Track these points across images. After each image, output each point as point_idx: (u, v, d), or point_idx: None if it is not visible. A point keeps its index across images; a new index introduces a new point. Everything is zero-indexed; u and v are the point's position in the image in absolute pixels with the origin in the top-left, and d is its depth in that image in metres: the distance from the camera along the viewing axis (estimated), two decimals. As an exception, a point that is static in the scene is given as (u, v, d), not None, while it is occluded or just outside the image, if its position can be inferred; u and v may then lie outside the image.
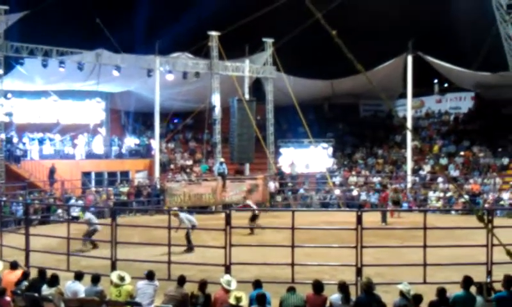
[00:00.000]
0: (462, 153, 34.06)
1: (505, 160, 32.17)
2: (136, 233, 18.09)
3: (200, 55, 31.82)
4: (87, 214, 19.01)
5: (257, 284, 10.62)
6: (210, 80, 31.91)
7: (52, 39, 27.83)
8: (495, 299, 9.84)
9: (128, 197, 29.27)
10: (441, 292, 9.96)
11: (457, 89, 38.85)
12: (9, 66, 27.45)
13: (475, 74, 33.85)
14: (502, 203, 27.88)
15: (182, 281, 10.78)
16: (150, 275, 10.95)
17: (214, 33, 31.59)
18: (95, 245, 17.60)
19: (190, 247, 17.22)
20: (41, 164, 29.40)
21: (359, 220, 12.50)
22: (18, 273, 11.70)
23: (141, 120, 37.55)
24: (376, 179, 32.95)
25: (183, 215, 17.96)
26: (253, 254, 14.05)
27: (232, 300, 9.76)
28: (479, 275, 11.75)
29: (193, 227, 17.63)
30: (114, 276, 10.65)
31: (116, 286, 10.77)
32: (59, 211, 24.43)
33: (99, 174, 31.57)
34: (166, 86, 31.27)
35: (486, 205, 26.70)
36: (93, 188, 29.59)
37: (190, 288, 10.89)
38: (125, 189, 29.75)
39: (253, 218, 20.89)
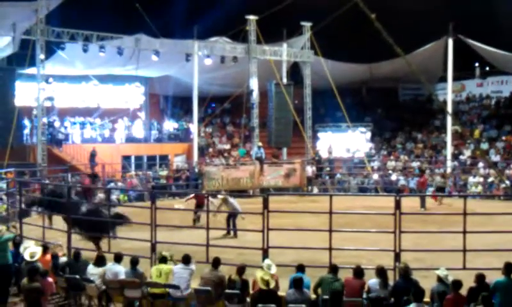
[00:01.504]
0: (503, 137, 33.43)
1: (549, 145, 31.52)
2: (175, 217, 18.29)
3: (237, 39, 31.87)
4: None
5: (299, 268, 10.71)
6: (247, 64, 31.93)
7: (92, 25, 28.19)
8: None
9: (167, 180, 29.58)
10: (481, 278, 9.88)
11: (499, 73, 38.06)
12: (50, 51, 27.93)
13: (518, 57, 33.13)
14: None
15: (216, 263, 10.90)
16: (186, 259, 11.08)
17: (251, 17, 31.55)
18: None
19: (234, 232, 17.42)
20: (82, 148, 29.96)
21: (397, 205, 12.41)
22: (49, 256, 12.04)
23: (179, 104, 37.86)
24: (415, 164, 32.59)
25: (232, 200, 18.14)
26: (290, 238, 14.08)
27: (260, 284, 9.85)
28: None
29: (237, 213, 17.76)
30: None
31: (158, 265, 11.06)
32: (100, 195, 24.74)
33: (139, 158, 32.00)
34: (204, 71, 31.41)
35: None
36: (133, 172, 29.99)
37: (228, 271, 11.01)
38: (164, 173, 30.07)
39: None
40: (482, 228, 15.45)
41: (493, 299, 9.46)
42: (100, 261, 11.35)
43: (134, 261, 11.22)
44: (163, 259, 11.25)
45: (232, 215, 17.72)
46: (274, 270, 10.34)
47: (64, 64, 29.32)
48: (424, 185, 26.38)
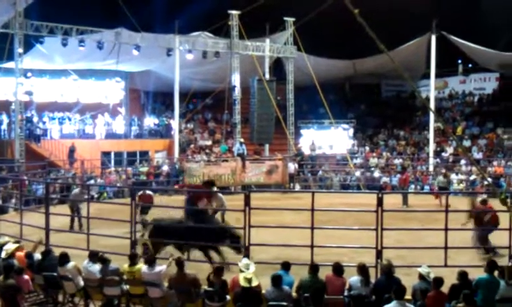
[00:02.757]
0: (486, 135, 33.55)
1: (530, 142, 31.65)
2: (156, 213, 18.01)
3: (219, 34, 31.62)
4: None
5: (283, 265, 10.49)
6: (230, 59, 31.70)
7: (72, 18, 27.76)
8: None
9: (147, 177, 29.28)
10: (463, 276, 9.82)
11: (482, 70, 38.23)
12: (29, 45, 27.42)
13: (501, 54, 33.25)
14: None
15: (180, 264, 10.51)
16: (149, 261, 10.75)
17: (234, 12, 31.31)
18: None
19: None
20: (61, 143, 29.51)
21: (379, 202, 12.28)
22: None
23: (160, 100, 37.55)
24: (397, 161, 32.56)
25: (221, 195, 17.86)
26: (272, 236, 13.90)
27: (242, 282, 9.66)
28: (501, 258, 11.53)
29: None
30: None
31: (130, 265, 10.82)
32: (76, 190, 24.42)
33: (119, 154, 31.63)
34: (185, 66, 31.14)
35: (510, 188, 26.24)
36: (113, 168, 29.64)
37: (209, 269, 10.80)
38: (144, 169, 29.76)
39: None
40: (464, 225, 15.41)
41: (475, 296, 9.39)
42: (62, 260, 11.03)
43: (104, 259, 11.00)
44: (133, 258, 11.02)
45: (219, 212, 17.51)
46: (252, 269, 10.10)
47: (43, 59, 28.86)
48: (406, 182, 26.33)
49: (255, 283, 9.64)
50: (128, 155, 31.68)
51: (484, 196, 15.40)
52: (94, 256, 11.10)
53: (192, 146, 33.85)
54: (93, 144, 30.74)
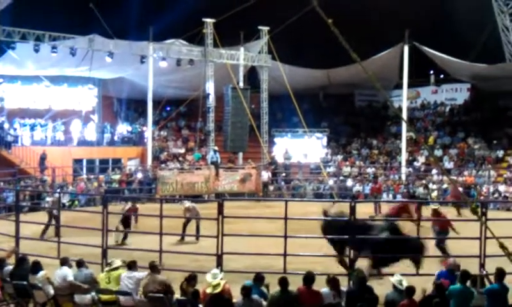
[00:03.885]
0: (457, 144, 33.96)
1: (500, 153, 32.09)
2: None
3: (194, 42, 31.54)
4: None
5: (255, 278, 10.33)
6: (204, 67, 31.62)
7: (45, 24, 27.44)
8: (487, 291, 9.74)
9: (119, 184, 29.04)
10: (439, 288, 9.82)
11: (453, 81, 38.69)
12: (0, 51, 27.08)
13: (472, 65, 33.74)
14: (496, 196, 27.81)
15: (153, 267, 10.45)
16: (130, 265, 10.68)
17: (208, 20, 31.25)
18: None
19: (197, 238, 17.06)
20: (32, 150, 29.10)
21: (352, 211, 12.33)
22: None
23: (133, 107, 37.29)
24: (370, 170, 32.78)
25: (194, 205, 17.82)
26: (245, 244, 13.87)
27: (208, 290, 9.60)
28: (471, 267, 11.62)
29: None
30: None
31: (108, 271, 10.71)
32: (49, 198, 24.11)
33: (91, 162, 31.30)
34: (159, 73, 30.99)
35: (481, 198, 26.58)
36: (84, 176, 29.32)
37: (182, 277, 10.71)
38: (117, 177, 29.50)
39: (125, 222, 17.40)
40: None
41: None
42: (35, 268, 10.87)
43: (80, 263, 10.92)
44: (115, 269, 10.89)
45: (191, 221, 17.48)
46: (220, 276, 10.03)
47: (15, 65, 28.47)
48: (379, 190, 26.50)
49: (219, 289, 9.56)
50: (101, 162, 31.37)
51: (436, 205, 15.51)
52: (65, 262, 10.97)
53: (165, 153, 33.63)
54: (64, 152, 30.35)
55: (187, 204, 18.01)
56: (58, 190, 23.52)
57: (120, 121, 35.54)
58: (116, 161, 32.09)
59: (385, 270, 12.39)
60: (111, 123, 34.57)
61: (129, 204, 17.66)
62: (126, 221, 17.19)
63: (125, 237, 17.01)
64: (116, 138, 33.62)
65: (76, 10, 29.78)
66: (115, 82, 33.80)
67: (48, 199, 19.01)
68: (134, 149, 33.26)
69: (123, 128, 34.82)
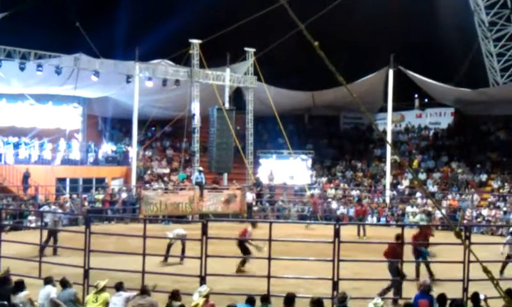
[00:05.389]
0: (440, 168, 34.17)
1: (484, 177, 32.33)
2: (110, 242, 17.74)
3: (180, 62, 31.59)
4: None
5: (248, 300, 10.34)
6: (190, 88, 31.64)
7: (30, 42, 27.35)
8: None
9: (103, 204, 28.82)
10: None
11: (438, 105, 39.01)
12: (-15, 69, 26.91)
13: (456, 90, 34.09)
14: (479, 220, 27.96)
15: (144, 291, 10.53)
16: (118, 287, 10.72)
17: (195, 41, 31.35)
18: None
19: (182, 258, 16.94)
20: (15, 169, 28.83)
21: (336, 233, 12.33)
22: None
23: (118, 127, 37.13)
24: (355, 192, 32.84)
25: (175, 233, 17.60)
26: (229, 265, 13.81)
27: None
28: (455, 291, 11.65)
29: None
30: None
31: (95, 292, 10.67)
32: (32, 217, 23.93)
33: (74, 181, 31.04)
34: (145, 93, 30.92)
35: (464, 221, 26.69)
36: (67, 195, 29.06)
37: (164, 299, 10.64)
38: (100, 196, 29.28)
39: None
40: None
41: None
42: (18, 287, 10.73)
43: (64, 282, 10.88)
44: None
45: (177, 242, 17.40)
46: (205, 292, 10.07)
47: (0, 82, 28.28)
48: (364, 213, 26.50)
49: None
50: (84, 181, 31.13)
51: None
52: (50, 281, 10.92)
53: (149, 173, 33.46)
54: (48, 170, 30.10)
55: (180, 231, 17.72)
56: (60, 210, 23.31)
57: (105, 140, 35.33)
58: (100, 180, 31.86)
59: (369, 293, 12.37)
60: (95, 142, 34.36)
61: None
62: (243, 246, 16.37)
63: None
64: (100, 157, 33.40)
65: (62, 29, 29.72)
66: (100, 101, 33.67)
67: (49, 217, 18.74)
68: (118, 168, 33.05)
69: (107, 148, 34.63)
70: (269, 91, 32.47)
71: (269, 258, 12.55)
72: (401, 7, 35.70)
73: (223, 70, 32.90)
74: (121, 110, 33.61)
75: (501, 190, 30.71)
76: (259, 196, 32.31)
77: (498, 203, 29.34)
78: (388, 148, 32.39)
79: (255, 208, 30.90)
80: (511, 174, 31.76)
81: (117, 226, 26.10)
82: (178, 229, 17.76)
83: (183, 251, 17.25)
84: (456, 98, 36.28)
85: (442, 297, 10.15)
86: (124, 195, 29.77)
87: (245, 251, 16.05)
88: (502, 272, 15.62)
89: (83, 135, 34.12)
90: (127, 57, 30.31)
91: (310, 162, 35.62)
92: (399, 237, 13.69)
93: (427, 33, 36.93)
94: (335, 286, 12.17)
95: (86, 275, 12.96)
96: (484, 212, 28.61)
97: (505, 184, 31.05)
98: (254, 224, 22.31)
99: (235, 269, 13.89)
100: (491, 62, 36.03)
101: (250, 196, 30.00)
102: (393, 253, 13.66)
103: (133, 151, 31.63)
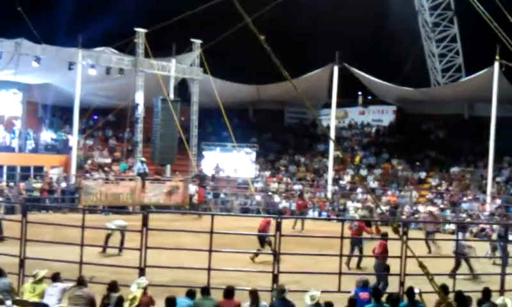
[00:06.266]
0: (381, 165, 34.83)
1: (423, 174, 33.14)
2: (48, 231, 17.33)
3: (125, 51, 31.08)
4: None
5: (188, 293, 10.42)
6: (134, 77, 31.22)
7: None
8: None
9: (41, 193, 28.15)
10: (352, 302, 10.15)
11: (380, 102, 39.80)
12: None
13: (398, 88, 34.78)
14: (416, 216, 28.61)
15: (81, 281, 10.39)
16: (54, 277, 10.57)
17: (141, 30, 30.92)
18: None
19: (120, 250, 16.83)
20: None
21: (278, 226, 12.39)
22: None
23: (59, 114, 36.31)
24: (297, 187, 33.10)
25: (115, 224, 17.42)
26: (169, 258, 13.70)
27: (126, 305, 9.54)
28: (392, 285, 11.90)
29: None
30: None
31: (33, 282, 10.52)
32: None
33: (11, 169, 30.20)
34: (87, 81, 30.29)
35: (402, 217, 27.29)
36: (4, 183, 28.26)
37: (102, 291, 10.50)
38: (38, 185, 28.59)
39: None
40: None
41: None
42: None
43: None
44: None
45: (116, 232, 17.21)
46: (144, 284, 10.03)
47: None
48: (305, 207, 26.72)
49: (136, 303, 9.52)
50: (22, 169, 30.33)
51: None
52: None
53: (90, 162, 32.81)
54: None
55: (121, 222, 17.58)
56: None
57: (44, 128, 34.51)
58: (39, 169, 31.10)
59: (309, 286, 12.49)
60: (34, 129, 33.53)
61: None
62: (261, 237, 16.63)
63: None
64: (39, 145, 32.61)
65: (3, 13, 28.82)
66: (41, 87, 32.82)
67: None
68: (58, 157, 32.30)
69: (47, 136, 33.82)
70: (215, 83, 32.34)
71: (210, 251, 12.51)
72: (348, 5, 36.10)
73: (168, 60, 32.56)
74: (62, 97, 32.87)
75: (439, 188, 31.56)
76: (202, 188, 32.13)
77: (435, 200, 30.10)
78: (331, 144, 32.76)
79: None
80: (449, 172, 32.68)
81: (55, 216, 25.51)
82: (118, 221, 17.59)
83: (122, 242, 17.10)
84: (398, 96, 37.05)
85: (377, 291, 10.38)
86: (63, 184, 29.14)
87: (262, 243, 16.51)
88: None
89: (22, 122, 33.21)
90: (69, 44, 29.61)
91: (254, 155, 35.70)
92: (386, 234, 14.15)
93: (373, 32, 37.52)
94: (275, 279, 12.24)
95: (21, 265, 12.62)
96: (420, 208, 29.25)
97: (443, 182, 31.92)
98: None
99: (176, 261, 13.77)
100: (433, 62, 36.88)
101: (193, 188, 29.85)
102: (386, 250, 14.06)
103: (73, 139, 30.97)
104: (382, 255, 14.01)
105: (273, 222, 16.51)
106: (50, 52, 28.73)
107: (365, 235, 17.51)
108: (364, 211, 27.19)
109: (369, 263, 14.89)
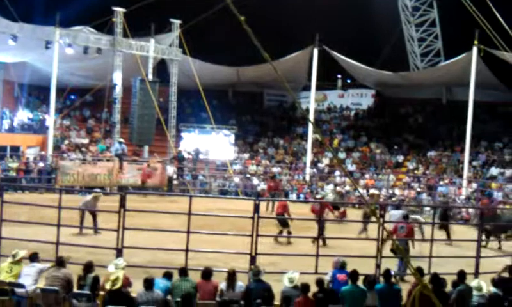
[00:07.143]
0: (360, 148, 35.00)
1: (400, 158, 33.39)
2: (24, 211, 17.18)
3: (103, 30, 30.71)
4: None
5: (164, 274, 10.56)
6: (112, 57, 30.89)
7: None
8: (376, 290, 10.18)
9: (17, 173, 27.87)
10: (320, 283, 10.32)
11: (359, 86, 39.91)
12: None
13: (377, 72, 34.90)
14: (393, 199, 28.83)
15: (60, 262, 10.38)
16: (32, 257, 10.59)
17: (119, 9, 30.56)
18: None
19: (95, 230, 16.76)
20: None
21: (256, 208, 12.41)
22: None
23: (36, 94, 35.91)
24: (276, 169, 33.14)
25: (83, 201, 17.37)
26: (146, 239, 13.66)
27: (108, 286, 9.53)
28: (368, 268, 11.99)
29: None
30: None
31: (11, 262, 10.55)
32: None
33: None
34: (64, 60, 29.90)
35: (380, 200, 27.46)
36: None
37: (78, 271, 10.46)
38: (15, 165, 28.28)
39: None
40: (336, 234, 15.95)
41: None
42: None
43: None
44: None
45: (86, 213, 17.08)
46: (122, 265, 10.04)
47: None
48: (277, 189, 26.51)
49: (118, 284, 9.51)
50: (-2, 149, 29.99)
51: None
52: None
53: (67, 143, 32.51)
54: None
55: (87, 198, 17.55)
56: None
57: (21, 107, 34.09)
58: (15, 149, 30.75)
59: (286, 268, 12.57)
60: (10, 108, 33.13)
61: None
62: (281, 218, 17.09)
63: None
64: (15, 125, 32.22)
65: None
66: (17, 66, 32.37)
67: None
68: (34, 137, 31.98)
69: (23, 115, 33.43)
70: (194, 64, 32.17)
71: (188, 232, 12.50)
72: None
73: (147, 40, 32.23)
74: (39, 76, 32.48)
75: (416, 172, 31.84)
76: (180, 169, 32.05)
77: (412, 184, 30.36)
78: (310, 127, 32.81)
79: (176, 182, 30.63)
80: (426, 156, 32.97)
81: (31, 196, 25.30)
82: (86, 196, 17.59)
83: (94, 221, 17.00)
84: (377, 80, 37.17)
85: (354, 273, 10.46)
86: (40, 164, 28.87)
87: (283, 224, 16.81)
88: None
89: (-2, 101, 32.82)
90: (47, 23, 29.16)
91: (232, 137, 35.62)
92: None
93: (353, 15, 37.46)
94: (253, 260, 12.28)
95: (-4, 245, 12.53)
96: (397, 191, 29.48)
97: (420, 166, 32.21)
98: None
99: (154, 242, 13.73)
100: (412, 46, 36.99)
101: (171, 170, 29.73)
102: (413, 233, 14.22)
103: (50, 119, 30.64)
104: (410, 236, 14.03)
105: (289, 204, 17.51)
106: (26, 31, 28.28)
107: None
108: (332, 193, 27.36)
109: (349, 244, 14.97)
